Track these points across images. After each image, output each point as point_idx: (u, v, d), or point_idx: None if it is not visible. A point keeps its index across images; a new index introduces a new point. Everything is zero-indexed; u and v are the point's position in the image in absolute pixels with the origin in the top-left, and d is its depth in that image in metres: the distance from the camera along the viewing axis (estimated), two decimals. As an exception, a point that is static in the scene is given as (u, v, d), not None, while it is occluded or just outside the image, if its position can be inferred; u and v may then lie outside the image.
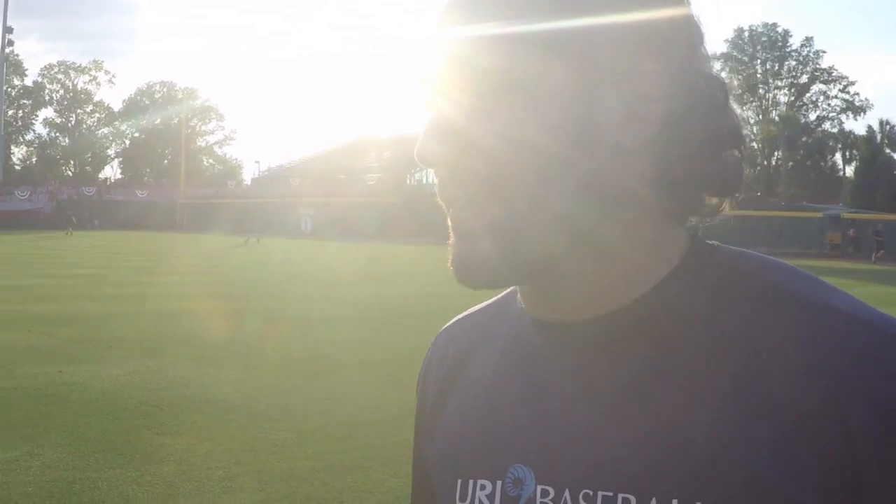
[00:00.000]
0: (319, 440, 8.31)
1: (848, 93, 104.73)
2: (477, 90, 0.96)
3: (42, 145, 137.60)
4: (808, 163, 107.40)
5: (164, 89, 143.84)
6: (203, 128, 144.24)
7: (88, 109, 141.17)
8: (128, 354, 13.05)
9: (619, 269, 1.01)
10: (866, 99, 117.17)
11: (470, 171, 0.96)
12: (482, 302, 1.29)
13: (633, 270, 1.01)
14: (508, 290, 1.22)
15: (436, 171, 1.01)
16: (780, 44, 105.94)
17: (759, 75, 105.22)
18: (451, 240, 1.01)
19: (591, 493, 0.95)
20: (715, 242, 1.07)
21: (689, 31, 1.01)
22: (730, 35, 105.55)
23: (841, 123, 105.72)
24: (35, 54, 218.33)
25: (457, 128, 0.97)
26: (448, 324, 1.33)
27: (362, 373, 11.56)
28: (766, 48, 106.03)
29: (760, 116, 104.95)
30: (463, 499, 1.08)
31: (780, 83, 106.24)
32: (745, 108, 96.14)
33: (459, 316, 1.32)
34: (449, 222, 1.01)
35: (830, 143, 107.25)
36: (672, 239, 1.04)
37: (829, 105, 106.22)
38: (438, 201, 1.02)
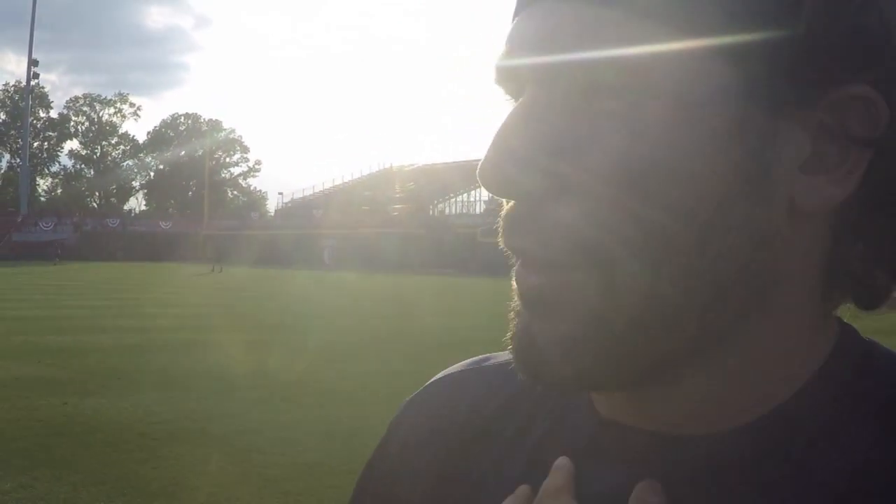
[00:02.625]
0: (318, 475, 8.17)
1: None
2: (601, 87, 0.68)
3: (67, 177, 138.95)
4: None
5: (189, 121, 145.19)
6: (227, 160, 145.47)
7: (113, 141, 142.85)
8: (135, 387, 12.90)
9: (754, 376, 0.74)
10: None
11: (565, 215, 0.68)
12: (502, 353, 0.98)
13: (768, 378, 0.74)
14: None
15: (506, 202, 0.72)
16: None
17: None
18: (514, 306, 0.75)
19: None
20: (870, 339, 0.80)
21: None
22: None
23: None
24: (61, 87, 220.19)
25: (557, 144, 0.68)
26: (462, 368, 1.04)
27: (369, 406, 11.38)
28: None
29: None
30: None
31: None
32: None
33: (479, 365, 1.02)
34: (513, 280, 0.74)
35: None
36: (821, 333, 0.78)
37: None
38: (500, 243, 0.74)
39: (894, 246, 0.74)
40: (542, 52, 0.69)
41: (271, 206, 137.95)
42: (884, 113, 0.68)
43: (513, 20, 0.75)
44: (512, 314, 0.76)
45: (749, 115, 0.67)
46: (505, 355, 0.95)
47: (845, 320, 0.80)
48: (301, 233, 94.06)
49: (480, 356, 1.04)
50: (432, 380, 1.05)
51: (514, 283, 0.74)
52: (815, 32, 0.66)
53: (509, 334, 0.75)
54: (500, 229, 0.73)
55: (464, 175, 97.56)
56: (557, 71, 0.69)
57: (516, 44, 0.72)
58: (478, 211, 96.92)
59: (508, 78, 0.74)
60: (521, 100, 0.71)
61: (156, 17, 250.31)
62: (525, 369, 0.73)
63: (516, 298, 0.74)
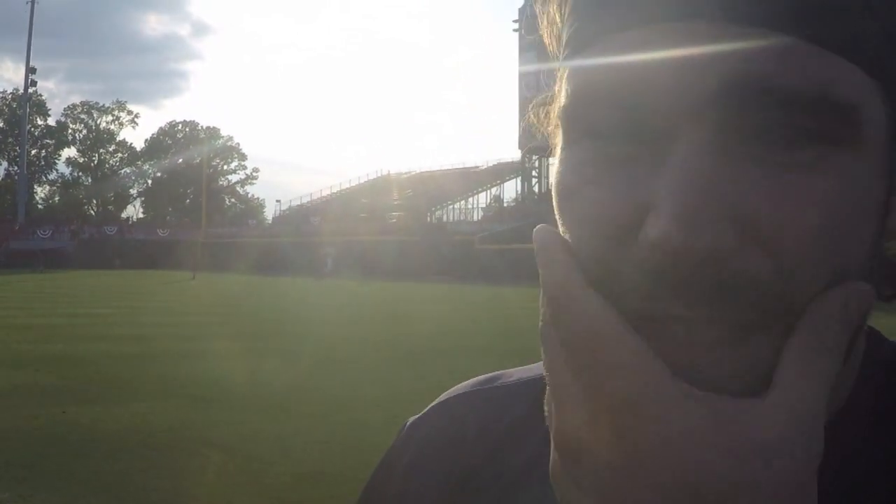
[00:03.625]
0: (315, 484, 8.19)
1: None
2: (789, 132, 0.60)
3: (65, 185, 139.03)
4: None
5: (187, 129, 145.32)
6: (225, 167, 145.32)
7: (111, 149, 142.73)
8: (134, 395, 12.91)
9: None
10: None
11: (756, 274, 0.60)
12: (510, 371, 1.01)
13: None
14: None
15: (690, 271, 0.59)
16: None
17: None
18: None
19: None
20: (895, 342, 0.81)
21: None
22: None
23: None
24: (58, 94, 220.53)
25: (744, 197, 0.60)
26: (468, 389, 1.02)
27: (367, 414, 11.39)
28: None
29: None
30: None
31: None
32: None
33: (485, 386, 1.01)
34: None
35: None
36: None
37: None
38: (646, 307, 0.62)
39: None
40: (725, 95, 0.60)
41: (269, 213, 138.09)
42: None
43: (616, 35, 0.65)
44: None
45: (891, 151, 0.65)
46: (514, 375, 1.00)
47: None
48: (299, 240, 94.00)
49: (487, 375, 1.02)
50: (437, 401, 1.03)
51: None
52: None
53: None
54: (636, 288, 0.62)
55: (461, 182, 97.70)
56: (744, 106, 0.60)
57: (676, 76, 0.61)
58: (475, 218, 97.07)
59: (653, 118, 0.62)
60: (688, 148, 0.60)
61: (154, 25, 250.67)
62: None
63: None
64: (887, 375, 0.78)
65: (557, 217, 0.71)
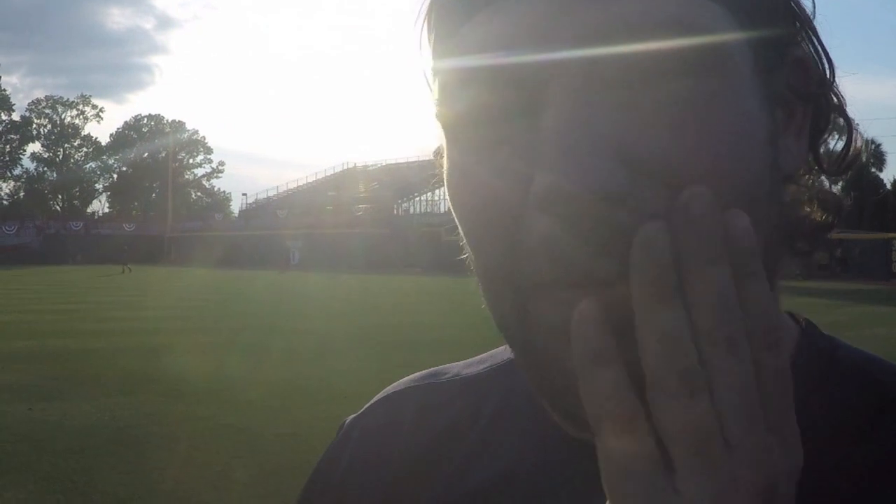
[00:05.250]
0: (282, 478, 8.20)
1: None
2: (654, 67, 0.60)
3: (30, 180, 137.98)
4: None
5: (152, 123, 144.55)
6: (191, 161, 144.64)
7: (76, 144, 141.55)
8: (101, 391, 12.87)
9: None
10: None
11: (656, 209, 0.59)
12: (449, 366, 1.01)
13: None
14: (502, 364, 0.94)
15: (591, 217, 0.58)
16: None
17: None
18: (555, 357, 0.64)
19: None
20: (832, 336, 0.84)
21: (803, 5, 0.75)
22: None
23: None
24: (22, 89, 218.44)
25: (623, 135, 0.60)
26: (407, 384, 1.02)
27: (335, 407, 11.38)
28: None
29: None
30: None
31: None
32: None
33: (424, 381, 1.01)
34: (548, 319, 0.63)
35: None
36: (788, 326, 0.83)
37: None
38: (514, 280, 0.65)
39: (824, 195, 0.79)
40: (578, 44, 0.60)
41: (235, 206, 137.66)
42: (817, 72, 0.74)
43: (479, 14, 0.66)
44: (545, 363, 0.66)
45: (764, 86, 0.67)
46: (453, 370, 1.00)
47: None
48: (265, 233, 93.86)
49: (425, 371, 1.03)
50: (375, 398, 1.04)
51: (553, 320, 0.63)
52: (777, 2, 0.70)
53: (544, 390, 0.69)
54: (544, 259, 0.62)
55: (427, 173, 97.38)
56: (607, 59, 0.60)
57: (532, 38, 0.62)
58: (442, 210, 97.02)
59: (516, 81, 0.62)
60: (561, 95, 0.60)
61: (117, 19, 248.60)
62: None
63: (556, 342, 0.63)
64: (823, 370, 0.79)
65: (455, 217, 0.71)
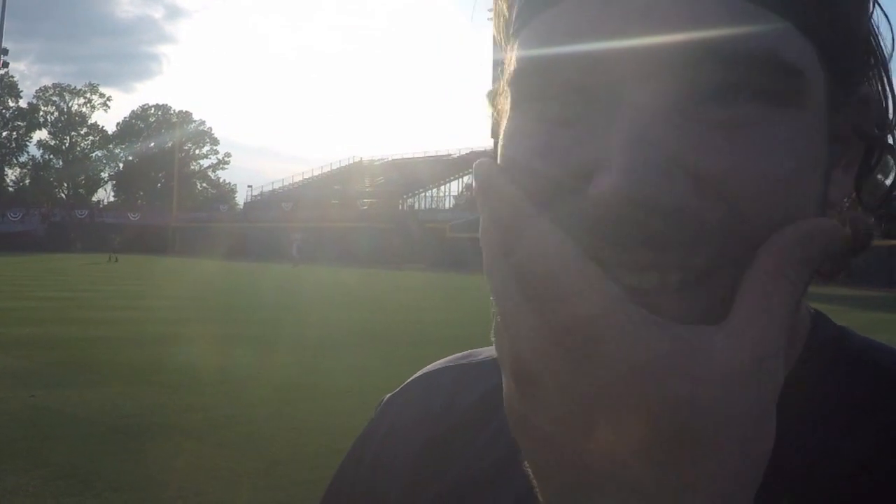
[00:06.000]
0: (286, 471, 8.18)
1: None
2: (737, 90, 0.62)
3: (35, 167, 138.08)
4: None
5: (159, 113, 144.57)
6: (197, 152, 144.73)
7: (83, 132, 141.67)
8: (104, 379, 12.90)
9: None
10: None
11: (710, 222, 0.62)
12: (483, 349, 1.03)
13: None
14: None
15: (631, 221, 0.60)
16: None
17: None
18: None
19: None
20: (844, 326, 0.86)
21: (883, 45, 0.76)
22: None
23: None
24: (30, 76, 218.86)
25: (693, 151, 0.61)
26: (443, 364, 1.05)
27: (339, 401, 11.42)
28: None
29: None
30: None
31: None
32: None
33: (459, 362, 1.04)
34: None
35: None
36: (801, 315, 0.83)
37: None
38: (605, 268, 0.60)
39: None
40: (671, 58, 0.62)
41: (240, 198, 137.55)
42: (881, 112, 0.75)
43: (560, 4, 0.67)
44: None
45: (831, 120, 0.68)
46: (487, 352, 1.02)
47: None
48: (270, 226, 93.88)
49: (461, 353, 1.05)
50: (412, 377, 1.06)
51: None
52: (847, 36, 0.69)
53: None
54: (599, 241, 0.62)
55: (434, 169, 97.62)
56: (694, 64, 0.61)
57: (614, 32, 0.63)
58: (447, 206, 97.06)
59: (598, 79, 0.64)
60: (634, 106, 0.62)
61: (126, 8, 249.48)
62: None
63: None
64: (832, 356, 0.81)
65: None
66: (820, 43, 0.66)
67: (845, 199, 0.76)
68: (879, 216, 0.79)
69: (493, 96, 0.82)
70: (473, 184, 0.66)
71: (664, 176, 0.59)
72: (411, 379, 1.06)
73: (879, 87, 0.76)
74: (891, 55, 0.76)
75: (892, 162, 0.79)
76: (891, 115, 0.76)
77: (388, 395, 1.07)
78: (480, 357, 1.03)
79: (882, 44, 0.75)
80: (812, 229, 0.61)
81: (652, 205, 0.59)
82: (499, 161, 0.71)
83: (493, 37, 0.79)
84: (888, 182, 0.80)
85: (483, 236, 0.64)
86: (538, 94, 0.68)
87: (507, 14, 0.75)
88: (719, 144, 0.62)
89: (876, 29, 0.75)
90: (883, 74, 0.76)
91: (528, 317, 0.58)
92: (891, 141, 0.78)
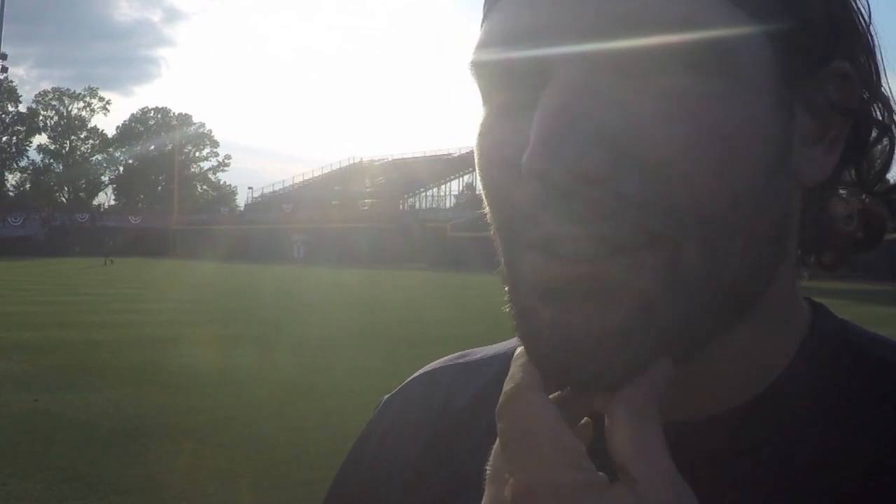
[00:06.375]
0: (288, 471, 8.21)
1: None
2: (659, 66, 0.64)
3: (36, 172, 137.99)
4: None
5: (159, 116, 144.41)
6: (197, 154, 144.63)
7: (83, 136, 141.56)
8: (106, 383, 12.92)
9: (762, 348, 0.76)
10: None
11: (633, 194, 0.64)
12: (480, 349, 1.04)
13: (770, 352, 0.77)
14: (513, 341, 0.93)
15: (547, 188, 0.64)
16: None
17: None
18: (527, 303, 0.69)
19: None
20: (845, 319, 0.84)
21: (863, 24, 0.76)
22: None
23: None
24: (29, 81, 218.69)
25: (619, 123, 0.64)
26: (440, 364, 1.05)
27: (340, 401, 11.44)
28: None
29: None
30: None
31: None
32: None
33: (456, 361, 1.04)
34: (544, 276, 0.67)
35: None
36: (799, 308, 0.82)
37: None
38: (506, 235, 0.71)
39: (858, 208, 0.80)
40: (586, 35, 0.64)
41: (241, 200, 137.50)
42: (859, 88, 0.74)
43: (501, 2, 0.71)
44: (522, 313, 0.70)
45: (782, 93, 0.69)
46: (482, 351, 1.03)
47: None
48: (271, 227, 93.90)
49: (459, 353, 1.06)
50: (409, 378, 1.06)
51: (528, 276, 0.69)
52: (815, 14, 0.70)
53: (523, 334, 0.71)
54: (526, 217, 0.67)
55: (434, 168, 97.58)
56: (604, 52, 0.64)
57: (546, 27, 0.66)
58: (448, 205, 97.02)
59: (528, 64, 0.67)
60: (558, 83, 0.64)
61: (125, 11, 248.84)
62: (558, 369, 0.68)
63: (528, 294, 0.69)
64: (833, 350, 0.79)
65: (476, 168, 0.75)
66: (757, 13, 0.66)
67: (825, 181, 0.75)
68: (890, 205, 0.79)
69: None
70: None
71: (583, 144, 0.61)
72: (409, 380, 1.06)
73: (865, 63, 0.75)
74: (866, 31, 0.76)
75: (885, 141, 0.78)
76: (869, 95, 0.76)
77: (386, 397, 1.07)
78: (476, 356, 1.03)
79: (863, 19, 0.75)
80: (654, 368, 0.66)
81: (572, 175, 0.61)
82: (475, 156, 0.74)
83: None
84: None
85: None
86: (491, 85, 0.71)
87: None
88: (633, 111, 0.63)
89: (856, 4, 0.75)
90: (866, 54, 0.76)
91: (506, 473, 0.66)
92: (882, 120, 0.77)
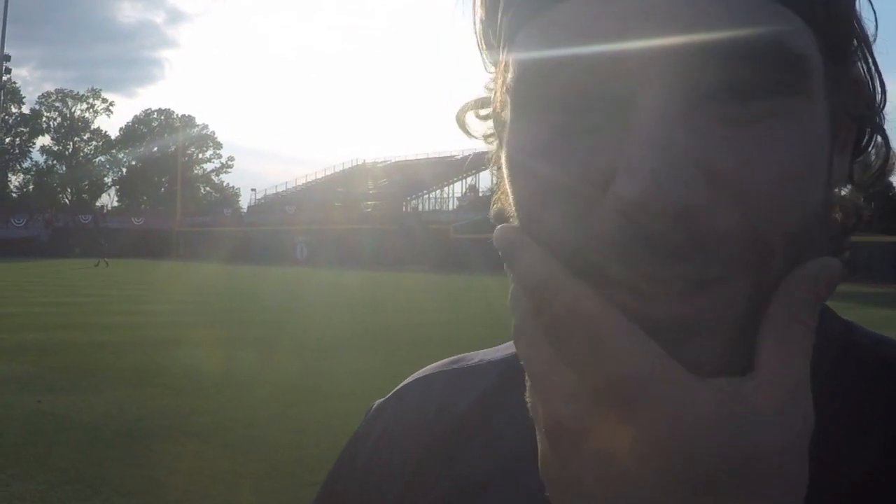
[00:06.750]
0: (290, 473, 8.22)
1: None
2: (753, 85, 0.62)
3: (39, 173, 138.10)
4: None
5: (162, 117, 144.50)
6: (200, 156, 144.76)
7: (86, 137, 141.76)
8: (109, 384, 12.92)
9: None
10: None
11: (728, 226, 0.61)
12: (474, 353, 1.04)
13: None
14: (507, 346, 0.97)
15: (662, 228, 0.60)
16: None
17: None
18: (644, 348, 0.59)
19: None
20: (850, 320, 0.85)
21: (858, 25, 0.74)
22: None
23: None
24: (32, 82, 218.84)
25: (716, 150, 0.61)
26: (434, 370, 1.05)
27: (343, 403, 11.43)
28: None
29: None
30: None
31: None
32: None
33: (450, 367, 1.03)
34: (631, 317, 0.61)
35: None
36: None
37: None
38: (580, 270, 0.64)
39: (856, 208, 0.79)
40: (680, 57, 0.61)
41: (244, 202, 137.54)
42: (870, 93, 0.74)
43: (559, 4, 0.66)
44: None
45: (829, 103, 0.68)
46: (479, 356, 1.02)
47: None
48: (274, 229, 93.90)
49: (452, 358, 1.05)
50: (402, 384, 1.05)
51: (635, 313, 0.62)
52: (837, 16, 0.69)
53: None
54: (611, 251, 0.63)
55: (437, 171, 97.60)
56: (699, 64, 0.61)
57: (626, 33, 0.62)
58: (451, 207, 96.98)
59: (604, 88, 0.63)
60: (652, 110, 0.60)
61: (128, 13, 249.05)
62: None
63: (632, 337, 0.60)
64: (838, 352, 0.79)
65: (510, 190, 0.71)
66: (817, 25, 0.65)
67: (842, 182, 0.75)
68: (869, 195, 0.79)
69: (474, 108, 0.84)
70: (500, 253, 0.66)
71: (688, 179, 0.59)
72: (401, 385, 1.05)
73: (865, 69, 0.75)
74: (874, 36, 0.75)
75: (878, 140, 0.78)
76: (878, 96, 0.76)
77: (379, 401, 1.07)
78: (473, 361, 1.02)
79: (864, 24, 0.74)
80: (818, 270, 0.62)
81: (679, 210, 0.59)
82: (507, 174, 0.71)
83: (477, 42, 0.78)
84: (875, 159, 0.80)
85: (512, 301, 0.65)
86: (544, 101, 0.66)
87: (485, 17, 0.75)
88: (734, 142, 0.61)
89: (858, 8, 0.73)
90: (868, 55, 0.75)
91: (564, 376, 0.60)
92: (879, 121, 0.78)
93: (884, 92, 0.76)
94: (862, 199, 0.79)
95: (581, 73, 0.63)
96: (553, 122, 0.66)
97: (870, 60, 0.75)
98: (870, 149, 0.78)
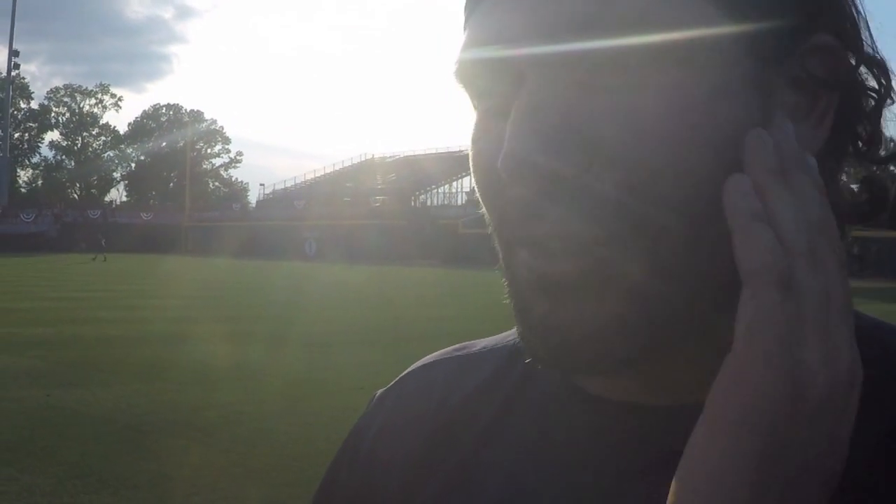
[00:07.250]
0: (300, 467, 8.23)
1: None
2: (613, 64, 0.66)
3: (48, 168, 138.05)
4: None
5: (170, 112, 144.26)
6: (209, 151, 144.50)
7: (94, 132, 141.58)
8: (118, 378, 12.97)
9: None
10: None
11: (608, 189, 0.66)
12: (478, 341, 1.03)
13: None
14: (512, 333, 0.93)
15: (528, 189, 0.67)
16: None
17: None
18: (525, 298, 0.72)
19: None
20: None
21: None
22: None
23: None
24: (40, 77, 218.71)
25: (586, 121, 0.66)
26: (437, 357, 1.05)
27: (351, 397, 11.38)
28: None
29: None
30: None
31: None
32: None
33: (454, 353, 1.03)
34: (521, 270, 0.71)
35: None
36: None
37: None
38: (501, 235, 0.74)
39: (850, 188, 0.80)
40: (550, 38, 0.66)
41: (253, 196, 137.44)
42: (844, 59, 0.73)
43: (475, 12, 0.74)
44: (519, 308, 0.73)
45: (750, 69, 0.68)
46: (482, 343, 1.02)
47: None
48: (283, 224, 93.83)
49: (456, 345, 1.05)
50: (406, 371, 1.05)
51: (523, 273, 0.71)
52: None
53: (521, 329, 0.73)
54: (513, 218, 0.70)
55: (445, 166, 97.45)
56: (567, 54, 0.66)
57: (513, 33, 0.68)
58: (459, 202, 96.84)
59: (501, 70, 0.70)
60: (529, 87, 0.67)
61: (136, 8, 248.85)
62: (554, 359, 0.71)
63: (523, 291, 0.72)
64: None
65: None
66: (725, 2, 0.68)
67: (816, 155, 0.71)
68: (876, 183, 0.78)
69: None
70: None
71: (552, 145, 0.64)
72: (405, 373, 1.05)
73: (852, 31, 0.74)
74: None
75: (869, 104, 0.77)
76: (856, 63, 0.75)
77: (381, 391, 1.06)
78: (476, 348, 1.01)
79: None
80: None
81: (541, 168, 0.64)
82: (471, 161, 0.76)
83: None
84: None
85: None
86: (475, 91, 0.75)
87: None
88: (604, 113, 0.65)
89: None
90: (850, 18, 0.74)
91: (787, 208, 0.63)
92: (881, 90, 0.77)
93: (860, 58, 0.75)
94: (887, 174, 0.78)
95: (488, 69, 0.70)
96: (483, 109, 0.74)
97: (851, 25, 0.74)
98: (865, 115, 0.77)
